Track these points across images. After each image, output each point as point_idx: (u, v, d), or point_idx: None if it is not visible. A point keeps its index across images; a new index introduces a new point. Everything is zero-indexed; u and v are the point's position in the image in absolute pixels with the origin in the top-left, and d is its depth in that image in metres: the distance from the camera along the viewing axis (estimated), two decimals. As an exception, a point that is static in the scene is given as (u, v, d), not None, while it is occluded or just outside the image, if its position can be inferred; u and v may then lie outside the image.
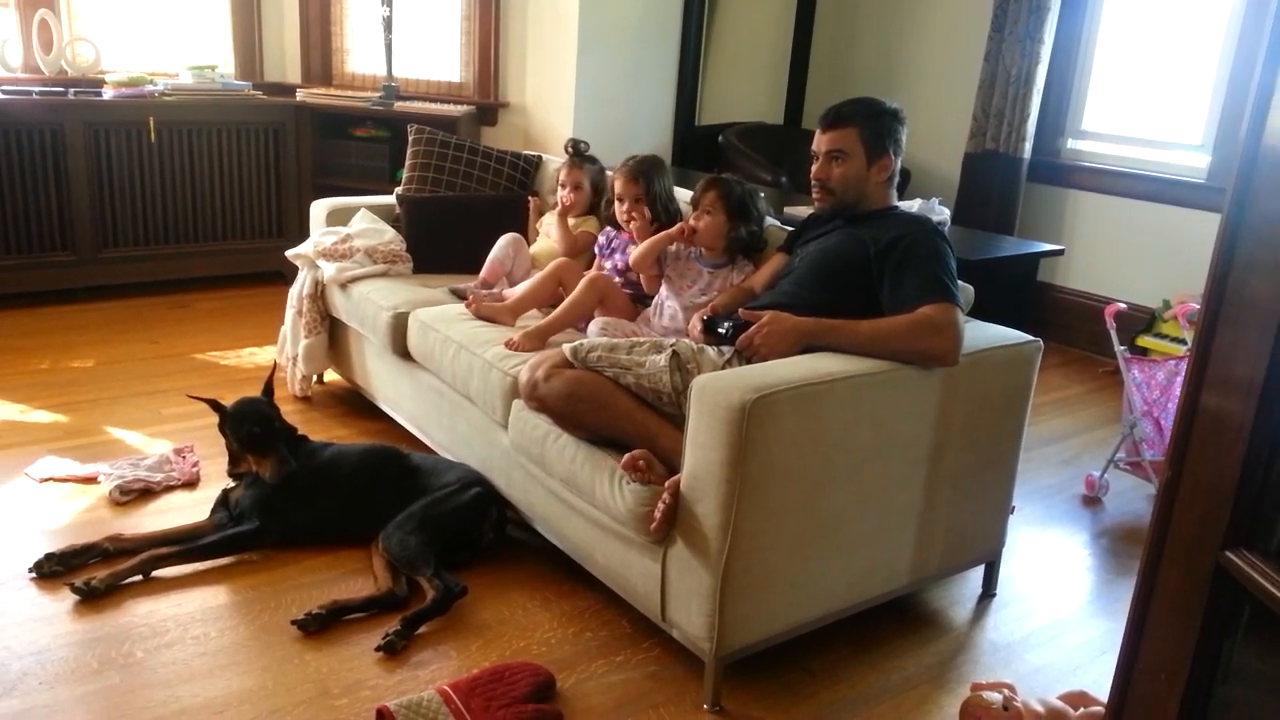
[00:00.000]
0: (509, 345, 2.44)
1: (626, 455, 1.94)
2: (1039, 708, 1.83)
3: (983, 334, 2.17)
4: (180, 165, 4.11)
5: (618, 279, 2.68)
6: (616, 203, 2.70)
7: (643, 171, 2.65)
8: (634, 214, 2.65)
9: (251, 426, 2.31)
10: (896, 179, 2.24)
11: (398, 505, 2.29)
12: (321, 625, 2.03)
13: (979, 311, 2.31)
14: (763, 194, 2.59)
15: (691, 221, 2.47)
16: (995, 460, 2.22)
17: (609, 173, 3.06)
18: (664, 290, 2.56)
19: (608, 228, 2.81)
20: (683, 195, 2.85)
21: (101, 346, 3.57)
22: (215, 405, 2.38)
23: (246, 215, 4.33)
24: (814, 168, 2.23)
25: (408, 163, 3.36)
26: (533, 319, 2.64)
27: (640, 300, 2.65)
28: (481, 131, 4.75)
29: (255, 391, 2.44)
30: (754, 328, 2.03)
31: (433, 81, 4.79)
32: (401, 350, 2.77)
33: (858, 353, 1.96)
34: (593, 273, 2.63)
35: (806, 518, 1.89)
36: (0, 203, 3.79)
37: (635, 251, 2.57)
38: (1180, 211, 4.13)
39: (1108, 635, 2.26)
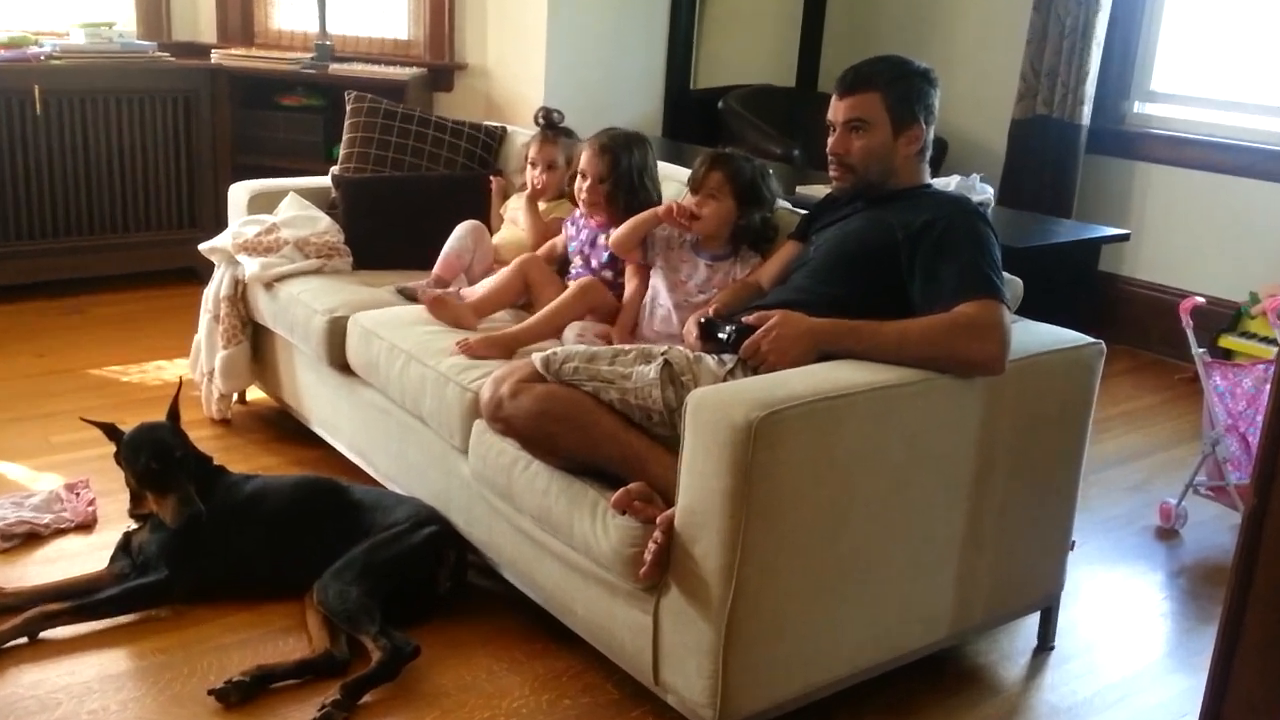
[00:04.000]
0: (460, 347, 2.43)
1: (619, 492, 1.94)
2: (1106, 782, 1.83)
3: (1034, 336, 2.18)
4: (72, 143, 4.10)
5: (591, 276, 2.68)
6: (579, 178, 2.70)
7: (610, 147, 2.65)
8: (593, 195, 2.65)
9: (148, 459, 2.29)
10: (929, 152, 2.26)
11: (336, 549, 2.28)
12: (245, 695, 2.02)
13: (1029, 309, 2.32)
14: (771, 171, 2.60)
15: (692, 206, 2.47)
16: (1051, 486, 2.22)
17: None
18: (653, 288, 2.56)
19: (575, 211, 2.80)
20: (676, 174, 2.86)
21: (-23, 361, 3.56)
22: (111, 431, 2.36)
23: (152, 202, 4.31)
24: (830, 140, 2.24)
25: (345, 137, 3.36)
26: (501, 323, 2.64)
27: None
28: (434, 99, 4.75)
29: (160, 414, 2.42)
30: (760, 331, 2.03)
31: (375, 39, 4.79)
32: (339, 362, 2.77)
33: (884, 359, 1.97)
34: (586, 279, 2.63)
35: (826, 558, 1.89)
36: None
37: (616, 231, 2.57)
38: (1269, 187, 4.15)
39: (1188, 694, 2.26)
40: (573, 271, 2.76)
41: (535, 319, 2.55)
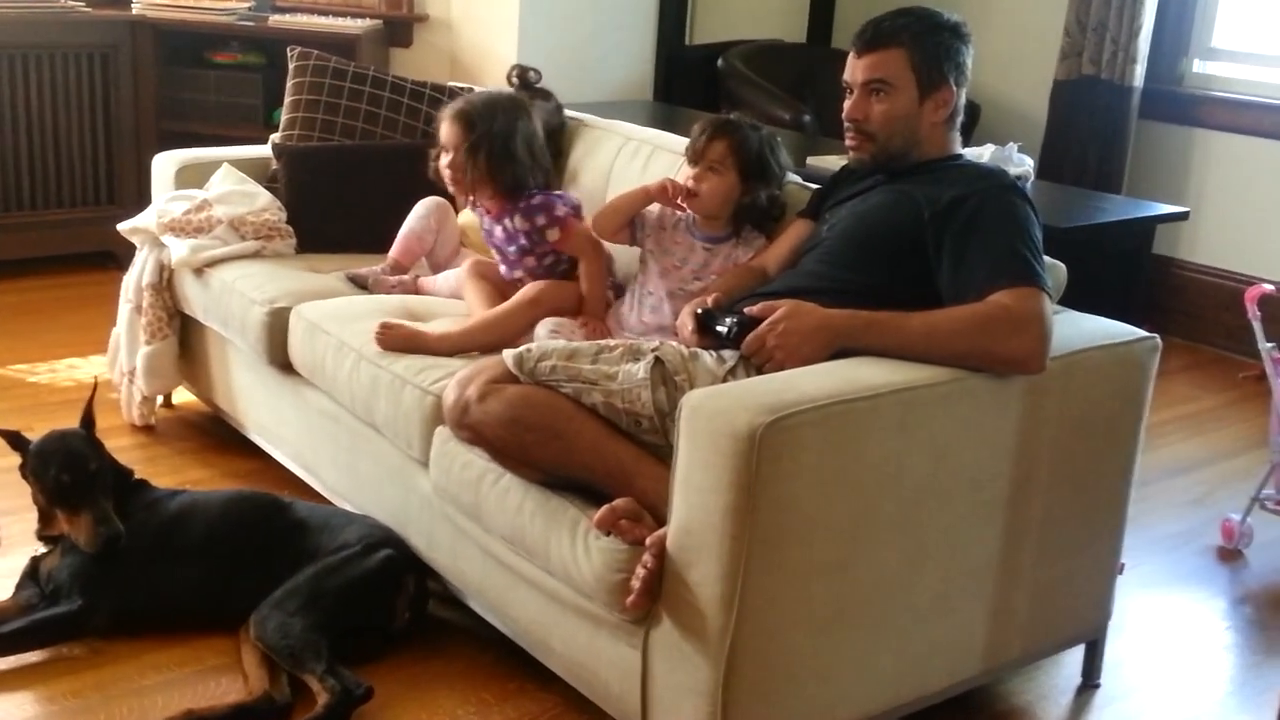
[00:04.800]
0: (379, 332, 2.44)
1: (603, 509, 1.94)
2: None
3: (1079, 329, 2.18)
4: (-29, 106, 4.08)
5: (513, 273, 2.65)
6: (441, 154, 2.65)
7: (466, 112, 2.59)
8: (454, 171, 2.60)
9: (58, 472, 2.28)
10: (960, 118, 2.26)
11: (276, 575, 2.28)
12: (171, 744, 2.02)
13: (1074, 298, 2.32)
14: (780, 140, 2.60)
15: (690, 181, 2.47)
16: (1097, 501, 2.23)
17: (568, 113, 3.05)
18: (643, 272, 2.56)
19: (480, 212, 2.73)
20: (671, 144, 2.85)
21: None
22: (16, 440, 2.35)
23: (64, 175, 4.29)
24: (847, 104, 2.24)
25: (288, 100, 3.35)
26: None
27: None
28: (391, 56, 4.74)
29: (73, 420, 2.41)
30: (766, 324, 2.03)
31: (322, -13, 4.77)
32: (280, 360, 2.76)
33: (909, 356, 1.97)
34: (541, 284, 2.59)
35: (840, 585, 1.89)
36: None
37: (598, 211, 2.56)
38: (1346, 158, 4.18)
39: (1255, 739, 2.28)
40: (503, 270, 2.72)
41: (472, 326, 2.53)
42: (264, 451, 2.98)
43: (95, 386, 2.54)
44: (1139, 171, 4.61)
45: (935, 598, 2.03)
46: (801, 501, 1.80)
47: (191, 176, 3.23)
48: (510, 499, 2.10)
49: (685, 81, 4.92)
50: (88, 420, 2.41)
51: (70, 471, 2.29)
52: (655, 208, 2.55)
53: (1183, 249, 4.57)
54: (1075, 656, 2.42)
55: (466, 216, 3.07)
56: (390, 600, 2.31)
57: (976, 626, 2.11)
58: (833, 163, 3.22)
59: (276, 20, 4.45)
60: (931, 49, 2.18)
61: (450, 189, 2.70)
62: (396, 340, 2.46)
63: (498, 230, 2.66)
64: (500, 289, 2.68)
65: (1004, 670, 2.27)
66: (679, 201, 2.48)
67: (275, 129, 3.41)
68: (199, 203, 3.09)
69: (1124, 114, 4.50)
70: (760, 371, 2.01)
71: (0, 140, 4.15)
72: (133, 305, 3.16)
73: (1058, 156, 4.60)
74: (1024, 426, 2.04)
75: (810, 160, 3.53)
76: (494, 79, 4.12)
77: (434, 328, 2.55)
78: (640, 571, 1.86)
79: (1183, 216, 3.72)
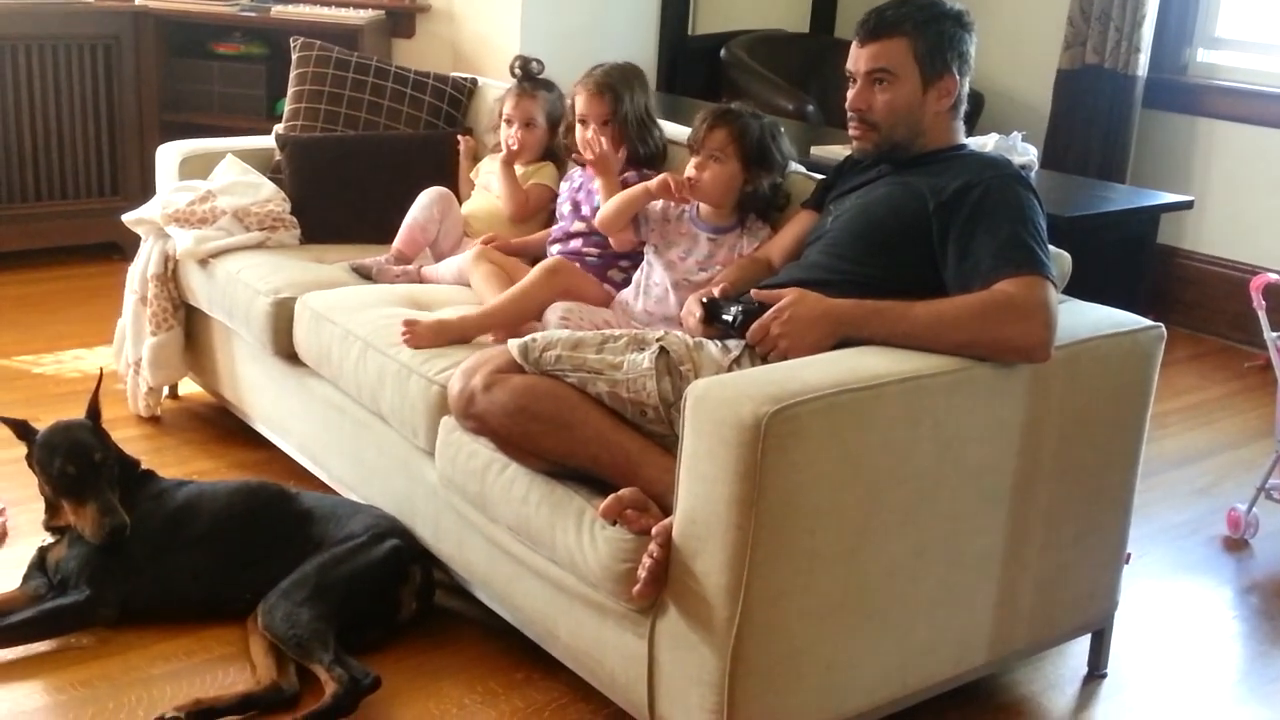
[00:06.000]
0: (406, 332, 2.43)
1: (609, 499, 1.94)
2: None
3: (1083, 318, 2.18)
4: (-26, 97, 4.08)
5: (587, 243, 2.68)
6: (578, 126, 2.70)
7: (610, 85, 2.67)
8: (598, 141, 2.64)
9: (63, 463, 2.29)
10: (963, 107, 2.26)
11: (283, 565, 2.28)
12: (180, 734, 2.02)
13: (1078, 287, 2.32)
14: (783, 129, 2.60)
15: (691, 171, 2.47)
16: (1103, 491, 2.23)
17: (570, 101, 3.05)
18: (648, 262, 2.56)
19: (575, 168, 2.80)
20: (675, 133, 2.85)
21: None
22: (22, 430, 2.36)
23: (68, 166, 4.29)
24: (850, 94, 2.24)
25: (291, 90, 3.36)
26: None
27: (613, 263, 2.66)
28: (393, 46, 4.74)
29: (79, 411, 2.42)
30: (771, 312, 2.04)
31: (325, -22, 4.77)
32: (286, 351, 2.77)
33: (913, 345, 1.97)
34: (558, 258, 2.63)
35: (846, 574, 1.89)
36: None
37: (602, 208, 2.57)
38: (1351, 147, 4.17)
39: (1260, 728, 2.28)
40: (555, 228, 2.75)
41: (495, 304, 2.54)
42: (270, 442, 2.99)
43: (101, 377, 2.54)
44: (1143, 161, 4.60)
45: (940, 587, 2.03)
46: (807, 491, 1.80)
47: (195, 167, 3.24)
48: (516, 489, 2.11)
49: (688, 72, 4.93)
50: (93, 411, 2.42)
51: (76, 462, 2.30)
52: (659, 201, 2.55)
53: (1187, 238, 4.57)
54: (1081, 646, 2.42)
55: (470, 206, 3.08)
56: (396, 590, 2.32)
57: (982, 616, 2.12)
58: (836, 153, 3.22)
59: (279, 11, 4.45)
60: (934, 38, 2.18)
61: (580, 150, 2.69)
62: (424, 335, 2.44)
63: (596, 183, 2.66)
64: (509, 273, 2.69)
65: (1010, 660, 2.27)
66: (681, 195, 2.48)
67: (279, 120, 3.42)
68: (203, 194, 3.10)
69: (1128, 103, 4.49)
70: (765, 360, 2.01)
71: (4, 132, 4.16)
72: (138, 296, 3.17)
73: (1062, 146, 4.60)
74: (1029, 416, 2.04)
75: (814, 150, 3.53)
76: (496, 69, 4.12)
77: (448, 314, 2.55)
78: (646, 561, 1.86)
79: (1187, 205, 3.72)
